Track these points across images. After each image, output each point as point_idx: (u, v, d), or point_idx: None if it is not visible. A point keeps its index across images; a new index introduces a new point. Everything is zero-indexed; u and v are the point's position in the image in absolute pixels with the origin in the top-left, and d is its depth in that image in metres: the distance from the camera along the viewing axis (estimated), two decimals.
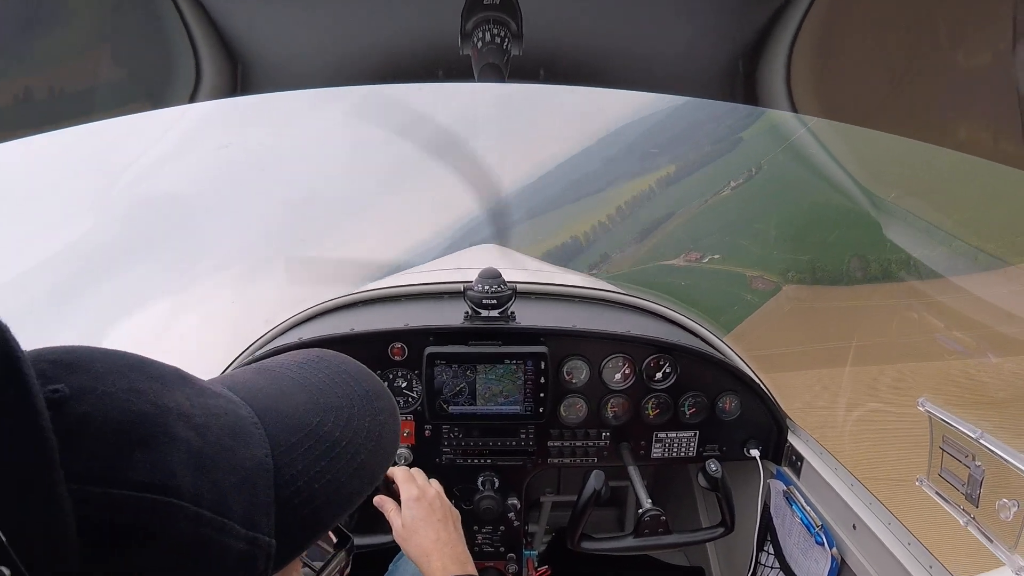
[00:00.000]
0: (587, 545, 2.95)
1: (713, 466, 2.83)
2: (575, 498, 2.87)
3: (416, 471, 2.34)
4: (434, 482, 2.33)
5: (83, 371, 0.74)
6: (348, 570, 1.26)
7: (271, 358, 1.14)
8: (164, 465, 0.73)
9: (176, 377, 0.86)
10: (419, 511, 2.14)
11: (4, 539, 0.57)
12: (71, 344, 0.80)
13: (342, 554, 1.21)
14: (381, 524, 2.29)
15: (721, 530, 2.96)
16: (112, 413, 0.72)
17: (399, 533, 2.14)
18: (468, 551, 2.13)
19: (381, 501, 2.24)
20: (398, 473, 2.27)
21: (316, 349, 1.15)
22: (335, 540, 1.23)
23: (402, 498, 2.19)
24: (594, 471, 2.83)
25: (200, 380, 0.92)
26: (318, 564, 1.19)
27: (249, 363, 3.04)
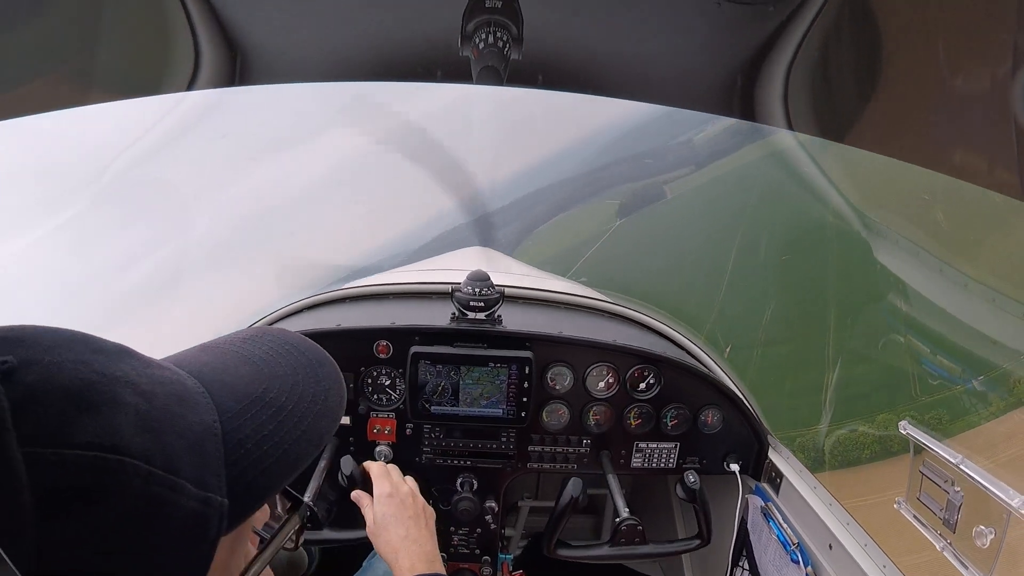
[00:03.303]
0: (563, 552, 2.94)
1: (691, 477, 2.82)
2: (553, 504, 2.87)
3: (392, 467, 2.33)
4: (409, 479, 2.32)
5: (29, 345, 0.78)
6: (303, 533, 1.27)
7: (216, 338, 1.16)
8: (112, 427, 0.76)
9: (121, 351, 0.89)
10: (390, 508, 2.13)
11: None
12: (17, 323, 0.83)
13: (295, 517, 1.22)
14: (358, 519, 2.28)
15: (697, 542, 2.95)
16: (60, 381, 0.76)
17: (371, 529, 2.14)
18: (438, 551, 2.12)
19: (358, 496, 2.23)
20: (373, 468, 2.26)
21: (259, 326, 1.21)
22: (288, 505, 1.24)
23: (374, 494, 2.19)
24: (572, 478, 2.83)
25: (146, 356, 0.94)
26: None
27: None
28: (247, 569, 1.06)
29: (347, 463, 2.47)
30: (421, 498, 2.26)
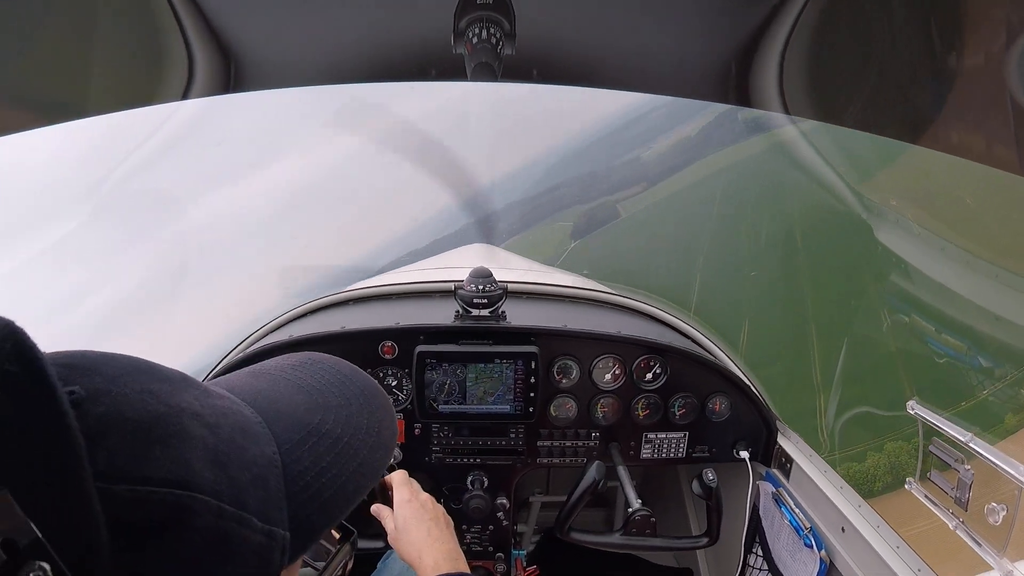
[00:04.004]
0: (575, 535, 2.94)
1: (710, 475, 2.81)
2: (565, 497, 2.86)
3: (411, 480, 2.34)
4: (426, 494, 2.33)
5: (95, 374, 0.77)
6: (352, 563, 1.28)
7: (264, 361, 1.16)
8: (183, 461, 0.77)
9: (182, 380, 0.89)
10: (411, 511, 2.14)
11: (40, 535, 0.60)
12: (75, 349, 0.82)
13: (347, 547, 1.24)
14: (371, 528, 2.28)
15: (705, 540, 2.95)
16: (129, 413, 0.75)
17: (392, 535, 2.14)
18: (461, 550, 2.12)
19: (378, 509, 2.24)
20: (395, 477, 2.26)
21: (307, 352, 1.18)
22: (338, 536, 1.26)
23: (395, 500, 2.19)
24: (596, 462, 2.82)
25: (203, 383, 0.94)
26: (320, 564, 1.22)
27: (240, 361, 3.04)
28: None
29: None
30: (440, 506, 2.26)
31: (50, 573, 0.60)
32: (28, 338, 0.63)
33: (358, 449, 1.02)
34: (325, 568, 1.18)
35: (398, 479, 2.26)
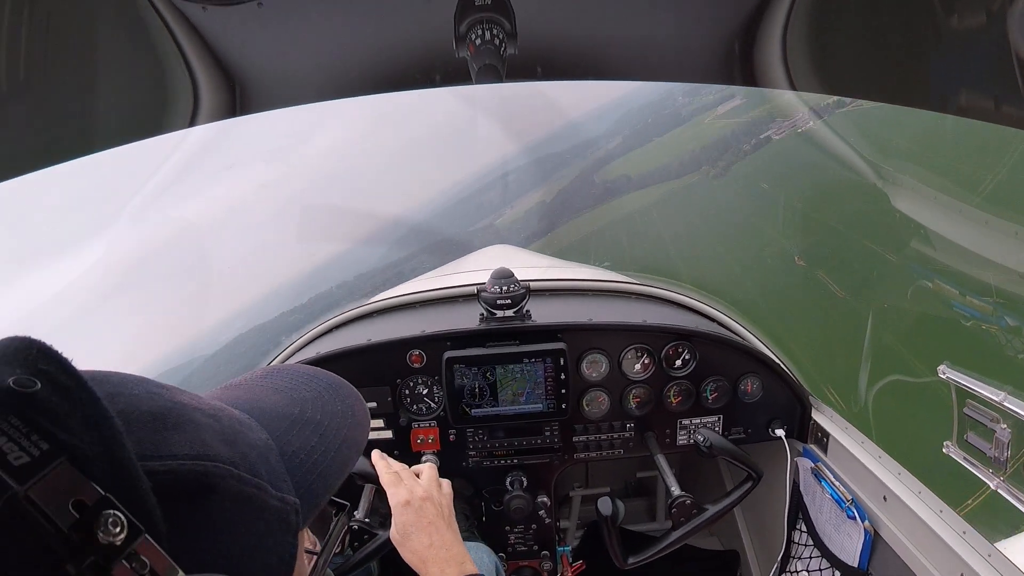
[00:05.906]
0: (634, 559, 2.92)
1: (700, 436, 2.84)
2: (608, 489, 2.86)
3: (401, 468, 2.28)
4: (425, 468, 2.30)
5: (104, 383, 0.86)
6: (349, 534, 1.38)
7: (234, 378, 1.29)
8: (199, 440, 0.88)
9: (175, 387, 1.00)
10: (409, 516, 2.11)
11: (103, 492, 0.68)
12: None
13: (343, 517, 1.35)
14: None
15: (749, 484, 2.93)
16: (143, 407, 0.86)
17: (395, 537, 2.13)
18: (465, 550, 2.11)
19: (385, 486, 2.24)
20: (383, 477, 2.23)
21: (272, 366, 1.33)
22: (333, 511, 1.36)
23: (391, 503, 2.16)
24: (600, 499, 2.82)
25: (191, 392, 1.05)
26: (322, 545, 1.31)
27: None
28: (314, 567, 1.19)
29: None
30: (436, 493, 2.19)
31: (123, 520, 0.68)
32: (46, 344, 0.72)
33: (339, 429, 1.15)
34: (328, 537, 1.29)
35: (386, 479, 2.22)
